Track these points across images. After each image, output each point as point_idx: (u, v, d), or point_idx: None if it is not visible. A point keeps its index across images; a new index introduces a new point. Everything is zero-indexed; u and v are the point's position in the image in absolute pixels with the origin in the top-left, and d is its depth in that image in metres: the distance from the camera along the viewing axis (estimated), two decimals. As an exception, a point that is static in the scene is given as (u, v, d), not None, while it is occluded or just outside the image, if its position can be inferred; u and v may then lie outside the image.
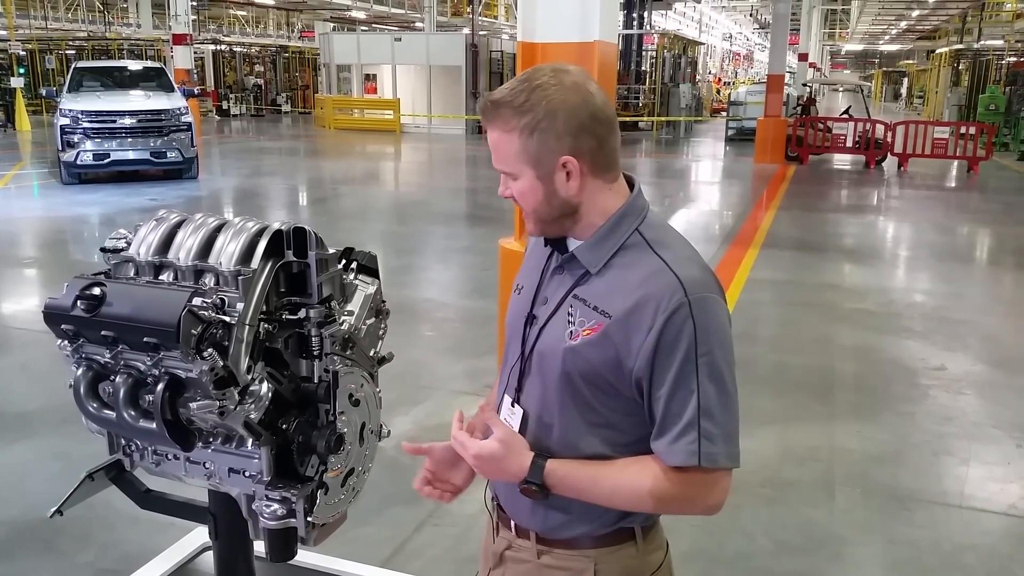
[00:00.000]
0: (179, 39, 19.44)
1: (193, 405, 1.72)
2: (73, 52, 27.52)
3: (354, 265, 2.09)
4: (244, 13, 38.31)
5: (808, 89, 21.08)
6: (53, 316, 1.86)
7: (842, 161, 17.68)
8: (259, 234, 1.91)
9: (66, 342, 1.89)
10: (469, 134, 23.82)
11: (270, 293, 1.88)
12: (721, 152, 20.03)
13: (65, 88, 13.11)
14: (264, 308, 1.89)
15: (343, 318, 1.98)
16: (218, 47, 32.43)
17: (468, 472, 1.64)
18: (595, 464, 1.36)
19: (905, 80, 49.06)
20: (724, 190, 13.75)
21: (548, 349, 1.38)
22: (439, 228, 9.80)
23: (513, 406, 1.47)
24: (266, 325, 1.86)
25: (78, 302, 1.78)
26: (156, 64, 16.80)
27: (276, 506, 1.91)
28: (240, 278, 1.80)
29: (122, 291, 1.79)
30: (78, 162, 12.19)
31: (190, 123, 12.92)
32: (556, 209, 1.35)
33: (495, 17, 35.53)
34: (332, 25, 33.68)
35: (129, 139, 12.44)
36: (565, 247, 1.43)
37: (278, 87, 32.25)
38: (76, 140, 12.13)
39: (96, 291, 1.77)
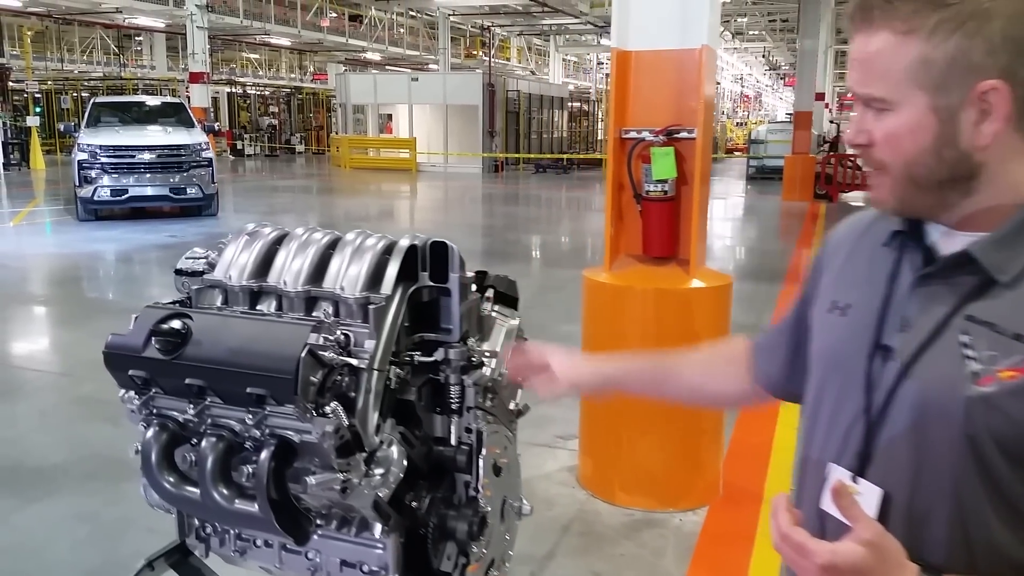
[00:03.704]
0: (196, 77, 19.29)
1: (311, 480, 1.27)
2: (88, 93, 27.50)
3: (490, 293, 1.66)
4: (257, 56, 38.45)
5: (836, 126, 20.82)
6: (117, 358, 1.41)
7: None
8: (387, 252, 1.47)
9: (132, 393, 1.44)
10: (485, 172, 23.59)
11: (400, 328, 1.44)
12: (744, 190, 19.69)
13: (83, 123, 12.83)
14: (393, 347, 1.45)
15: (484, 359, 1.53)
16: (233, 88, 32.47)
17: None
18: None
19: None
20: (759, 227, 13.36)
21: (932, 398, 0.89)
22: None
23: (855, 482, 0.96)
24: (397, 370, 1.42)
25: (152, 339, 1.34)
26: (175, 99, 16.59)
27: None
28: (371, 308, 1.37)
29: (213, 325, 1.35)
30: (95, 198, 11.85)
31: (210, 159, 12.61)
32: (945, 166, 0.89)
33: (507, 59, 35.60)
34: (344, 67, 33.74)
35: (148, 175, 12.11)
36: (922, 238, 0.96)
37: (292, 127, 32.20)
38: (94, 175, 11.81)
39: (177, 325, 1.33)
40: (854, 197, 17.19)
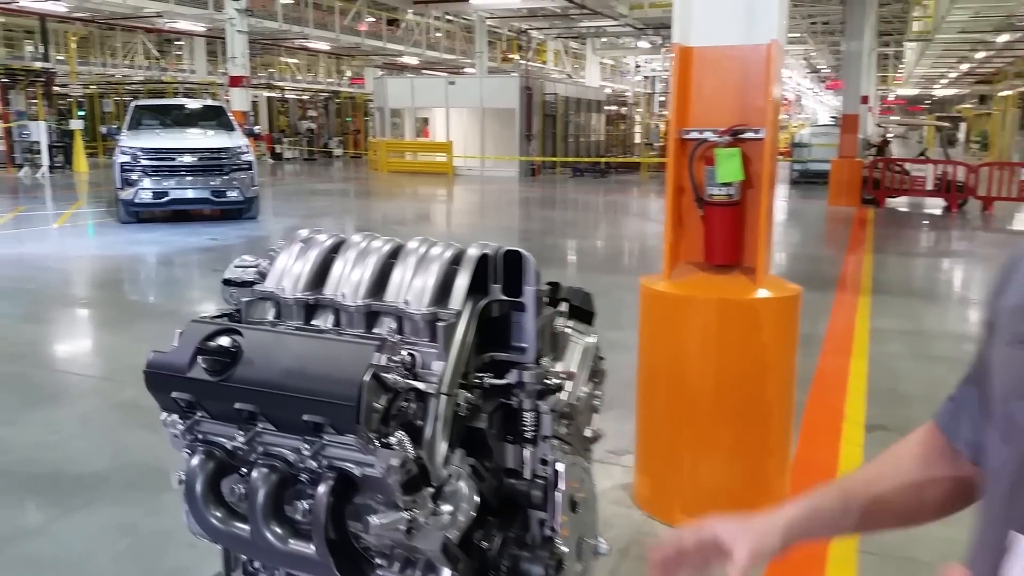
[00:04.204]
0: (236, 81, 19.39)
1: (375, 520, 1.12)
2: (130, 97, 27.90)
3: (564, 306, 1.51)
4: (296, 61, 38.77)
5: (883, 130, 20.37)
6: (159, 379, 1.28)
7: (921, 204, 16.84)
8: (455, 261, 1.33)
9: (175, 417, 1.32)
10: (522, 176, 23.46)
11: (470, 347, 1.30)
12: (787, 194, 19.32)
13: (125, 126, 12.93)
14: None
15: (561, 382, 1.38)
16: (272, 92, 32.75)
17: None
18: None
19: (963, 125, 47.82)
20: (806, 233, 13.04)
21: None
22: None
23: None
24: (467, 395, 1.28)
25: (199, 358, 1.21)
26: (216, 102, 16.69)
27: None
28: (439, 325, 1.23)
29: (265, 343, 1.21)
30: (136, 200, 11.91)
31: (251, 162, 12.62)
32: None
33: (544, 62, 35.46)
34: (381, 71, 33.86)
35: (189, 177, 12.15)
36: None
37: (330, 131, 32.37)
38: (135, 178, 11.87)
39: (226, 342, 1.20)
40: (901, 202, 16.76)
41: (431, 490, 1.21)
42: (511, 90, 23.98)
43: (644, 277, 3.30)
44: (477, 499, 1.25)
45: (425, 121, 26.47)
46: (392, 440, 1.15)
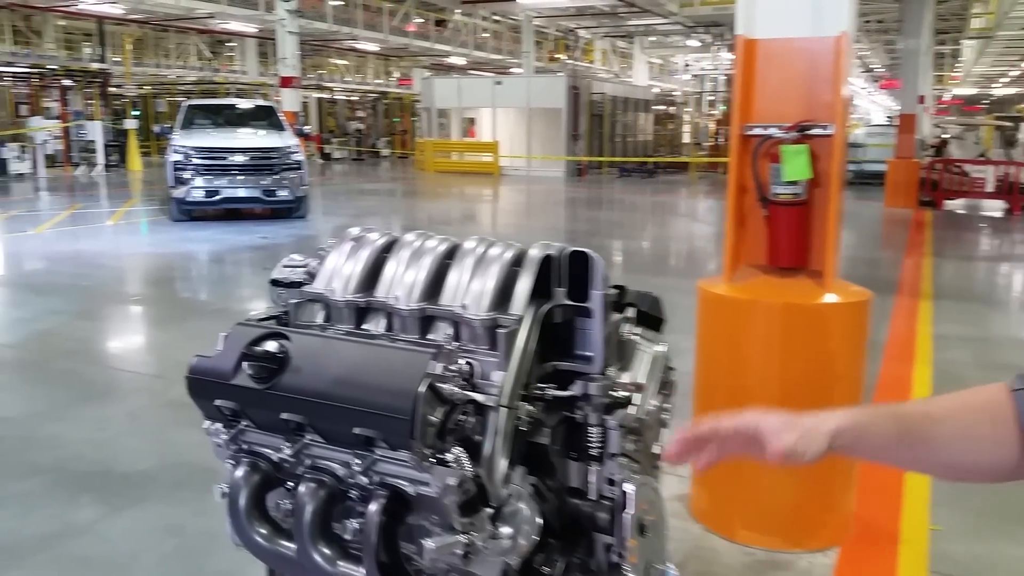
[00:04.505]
0: (286, 81, 19.59)
1: (429, 544, 1.03)
2: (183, 97, 28.46)
3: (631, 312, 1.40)
4: (345, 62, 39.17)
5: (941, 131, 19.81)
6: (202, 385, 1.21)
7: (981, 207, 16.30)
8: (516, 263, 1.23)
9: (219, 426, 1.24)
10: (568, 176, 23.32)
11: (532, 356, 1.20)
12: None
13: (177, 125, 13.12)
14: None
15: (629, 395, 1.27)
16: (321, 93, 33.10)
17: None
18: None
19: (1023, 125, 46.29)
20: (862, 235, 12.66)
21: None
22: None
23: None
24: (528, 407, 1.18)
25: (243, 364, 1.14)
26: (267, 102, 16.87)
27: None
28: (499, 332, 1.13)
29: (314, 349, 1.13)
30: (188, 199, 12.07)
31: (301, 161, 12.71)
32: None
33: (591, 62, 35.26)
34: (428, 72, 34.01)
35: (240, 176, 12.27)
36: None
37: (378, 132, 32.60)
38: (187, 177, 12.03)
39: (273, 347, 1.12)
40: (960, 205, 16.25)
41: (490, 511, 1.11)
42: (558, 90, 23.85)
43: (703, 280, 3.17)
44: (539, 521, 1.15)
45: (471, 121, 26.48)
46: (449, 457, 1.06)
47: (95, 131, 21.38)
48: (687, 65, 37.42)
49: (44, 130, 20.52)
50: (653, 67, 39.06)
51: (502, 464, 1.13)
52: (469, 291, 1.18)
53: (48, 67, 23.66)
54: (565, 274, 1.22)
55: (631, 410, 1.29)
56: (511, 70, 32.73)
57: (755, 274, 3.04)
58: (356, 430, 1.05)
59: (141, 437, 4.22)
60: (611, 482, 1.24)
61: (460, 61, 33.42)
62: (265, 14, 21.81)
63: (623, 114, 27.56)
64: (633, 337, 1.39)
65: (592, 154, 24.84)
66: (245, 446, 1.24)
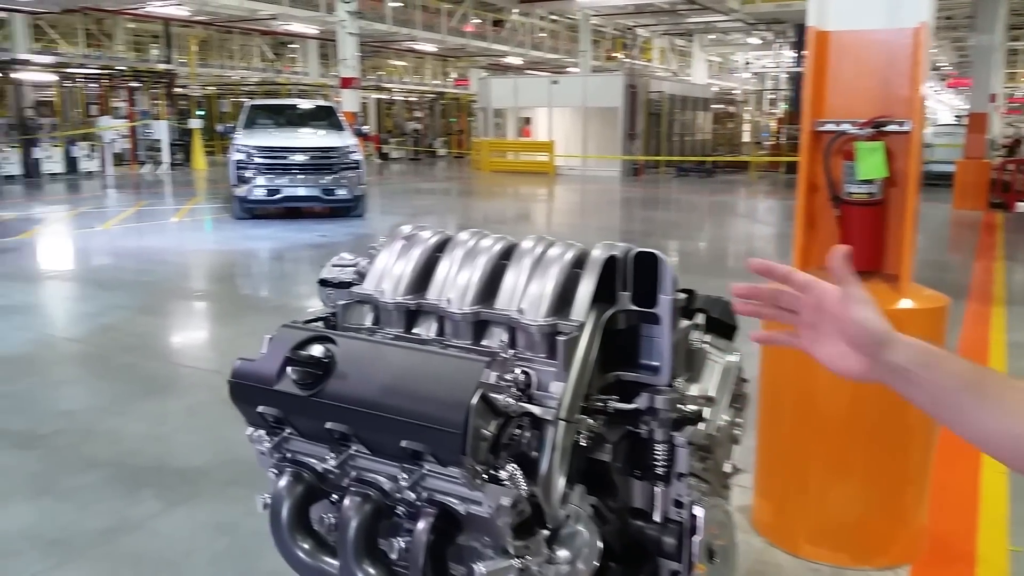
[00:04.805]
0: (346, 82, 19.82)
1: (480, 568, 0.95)
2: (246, 97, 29.03)
3: (701, 318, 1.30)
4: (404, 63, 39.53)
5: (1014, 130, 19.05)
6: (245, 390, 1.15)
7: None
8: (577, 264, 1.15)
9: (262, 432, 1.19)
10: (624, 175, 23.10)
11: (593, 365, 1.12)
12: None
13: (240, 125, 13.35)
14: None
15: (699, 409, 1.18)
16: (380, 95, 33.45)
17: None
18: None
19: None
20: (930, 237, 12.21)
21: None
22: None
23: None
24: (589, 421, 1.09)
25: (287, 369, 1.08)
26: (327, 103, 17.08)
27: None
28: (559, 339, 1.04)
29: (361, 354, 1.06)
30: (250, 197, 12.26)
31: (359, 161, 12.82)
32: None
33: (649, 60, 34.90)
34: (485, 72, 34.08)
35: (300, 175, 12.43)
36: None
37: (435, 132, 32.81)
38: (249, 175, 12.22)
39: (318, 352, 1.05)
40: (1035, 206, 15.57)
41: (546, 533, 1.03)
42: (615, 88, 23.64)
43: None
44: (600, 545, 1.07)
45: (526, 120, 26.41)
46: (502, 474, 0.98)
47: (161, 130, 21.95)
48: (747, 63, 36.77)
49: (112, 129, 21.14)
50: (712, 65, 38.48)
51: (560, 482, 1.05)
52: (526, 294, 1.10)
53: (117, 68, 24.35)
54: (630, 277, 1.13)
55: (701, 426, 1.19)
56: (567, 69, 32.58)
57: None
58: (403, 443, 0.97)
59: (198, 433, 4.25)
60: (678, 504, 1.15)
61: (517, 61, 33.39)
62: (326, 15, 22.08)
63: (681, 113, 27.20)
64: (703, 345, 1.29)
65: (649, 153, 24.56)
66: (289, 455, 1.17)
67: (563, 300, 1.12)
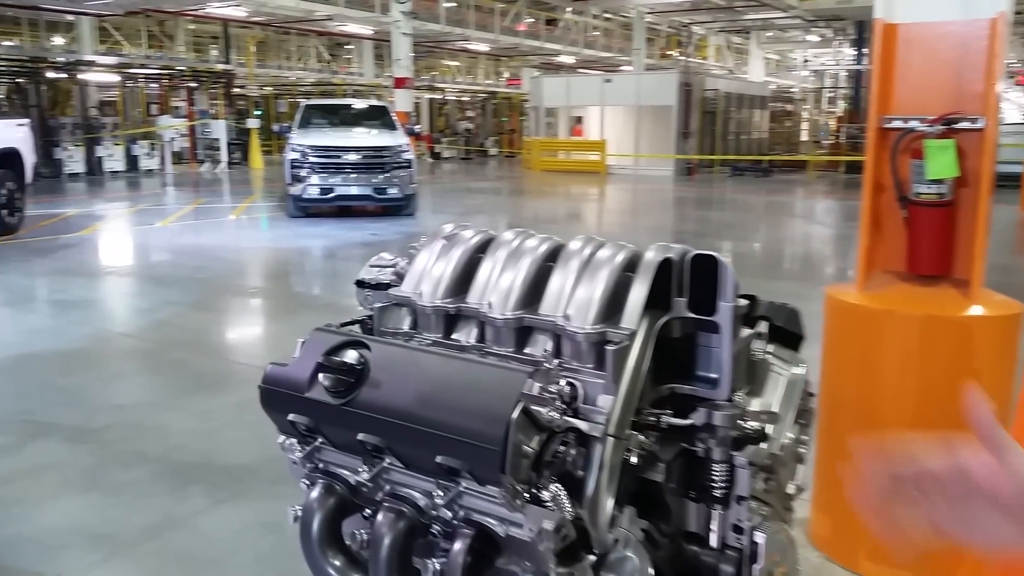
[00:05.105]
0: (400, 82, 19.95)
1: (527, 599, 0.88)
2: (303, 97, 29.48)
3: (763, 327, 1.21)
4: (456, 63, 39.70)
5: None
6: (276, 397, 1.10)
7: None
8: (629, 267, 1.06)
9: (294, 441, 1.13)
10: (677, 175, 22.79)
11: (646, 377, 1.03)
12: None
13: (295, 125, 13.51)
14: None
15: (761, 426, 1.08)
16: (433, 94, 33.63)
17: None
18: None
19: None
20: (996, 240, 11.72)
21: None
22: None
23: None
24: (640, 438, 1.01)
25: (320, 376, 1.02)
26: (380, 103, 17.19)
27: None
28: (608, 349, 0.96)
29: (396, 361, 1.00)
30: (304, 196, 12.40)
31: (411, 160, 12.87)
32: None
33: (704, 58, 34.43)
34: (537, 71, 34.01)
35: (353, 175, 12.53)
36: None
37: (487, 131, 32.85)
38: (303, 174, 12.35)
39: (352, 358, 0.99)
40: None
41: (593, 559, 0.95)
42: (669, 87, 23.34)
43: (831, 287, 2.90)
44: (651, 572, 0.98)
45: (577, 120, 26.25)
46: (545, 495, 0.90)
47: (219, 130, 22.36)
48: (806, 60, 36.03)
49: (172, 128, 21.62)
50: (770, 63, 37.80)
51: (608, 504, 0.97)
52: (573, 299, 1.02)
53: (177, 68, 24.90)
54: (687, 281, 1.05)
55: (764, 445, 1.10)
56: (620, 68, 32.32)
57: (892, 282, 2.76)
58: (439, 458, 0.90)
59: (245, 430, 4.26)
60: (738, 529, 1.06)
61: (569, 60, 33.25)
62: (381, 16, 22.27)
63: (737, 111, 26.75)
64: (766, 356, 1.20)
65: (703, 152, 24.20)
66: (321, 465, 1.11)
67: (613, 306, 1.04)
